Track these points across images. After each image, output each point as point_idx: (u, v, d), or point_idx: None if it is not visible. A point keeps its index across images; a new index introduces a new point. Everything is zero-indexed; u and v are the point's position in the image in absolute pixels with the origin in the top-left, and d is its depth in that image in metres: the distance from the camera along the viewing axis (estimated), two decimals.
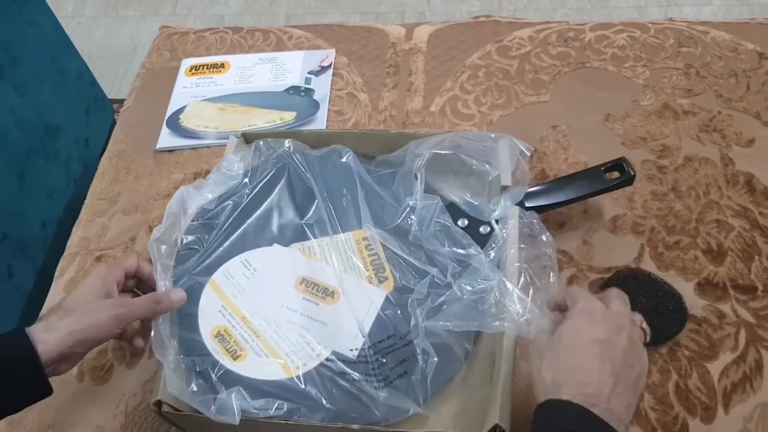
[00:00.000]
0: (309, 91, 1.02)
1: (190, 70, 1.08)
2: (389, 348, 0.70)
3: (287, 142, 0.84)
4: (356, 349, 0.70)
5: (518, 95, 0.95)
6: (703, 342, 0.71)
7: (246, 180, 0.83)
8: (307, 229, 0.78)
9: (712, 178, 0.83)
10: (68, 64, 1.51)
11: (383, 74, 1.02)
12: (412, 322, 0.70)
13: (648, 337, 0.59)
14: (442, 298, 0.71)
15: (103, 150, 1.03)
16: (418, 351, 0.68)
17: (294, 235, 0.79)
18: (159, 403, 0.64)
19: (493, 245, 0.74)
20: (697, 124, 0.88)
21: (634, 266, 0.77)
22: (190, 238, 0.78)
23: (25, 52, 1.34)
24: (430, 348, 0.68)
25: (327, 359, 0.69)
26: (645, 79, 0.94)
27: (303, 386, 0.67)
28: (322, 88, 1.02)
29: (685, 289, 0.74)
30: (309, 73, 1.04)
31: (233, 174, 0.83)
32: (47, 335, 0.59)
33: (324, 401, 0.66)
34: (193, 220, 0.79)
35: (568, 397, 0.51)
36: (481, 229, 0.77)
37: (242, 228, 0.79)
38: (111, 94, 1.76)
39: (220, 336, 0.71)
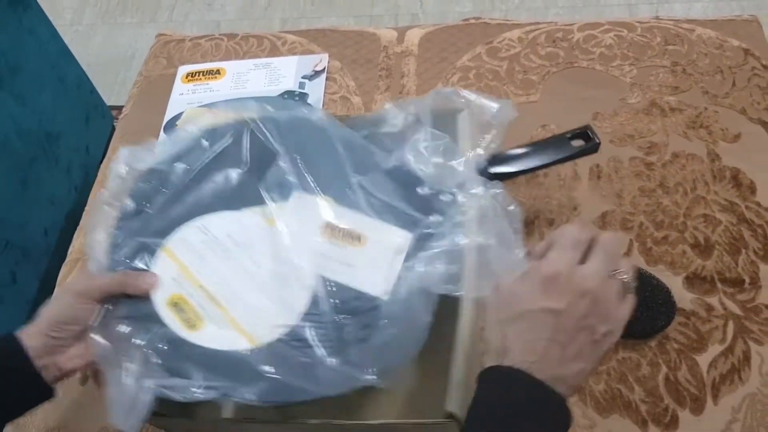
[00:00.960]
0: (303, 96, 1.03)
1: (187, 77, 1.10)
2: (354, 310, 0.64)
3: (251, 104, 0.77)
4: (314, 314, 0.64)
5: (508, 96, 0.97)
6: (692, 335, 0.73)
7: (203, 141, 0.76)
8: (269, 193, 0.71)
9: (699, 173, 0.85)
10: (67, 72, 1.53)
11: (376, 77, 1.04)
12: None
13: (632, 289, 0.57)
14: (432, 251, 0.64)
15: (103, 157, 1.05)
16: (382, 316, 0.62)
17: (255, 199, 0.71)
18: None
19: (455, 214, 0.68)
20: (684, 120, 0.90)
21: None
22: (139, 199, 0.72)
23: (25, 61, 1.36)
24: (397, 314, 0.62)
25: (287, 327, 0.64)
26: (632, 78, 0.96)
27: (257, 357, 0.62)
28: (315, 92, 1.03)
29: (674, 283, 0.76)
30: (303, 77, 1.06)
31: (187, 134, 0.76)
32: (29, 327, 0.61)
33: (268, 370, 0.61)
34: (142, 182, 0.73)
35: (511, 363, 0.50)
36: (442, 197, 0.70)
37: (198, 191, 0.72)
38: (110, 101, 1.78)
39: (176, 305, 0.66)
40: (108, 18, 2.37)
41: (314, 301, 0.64)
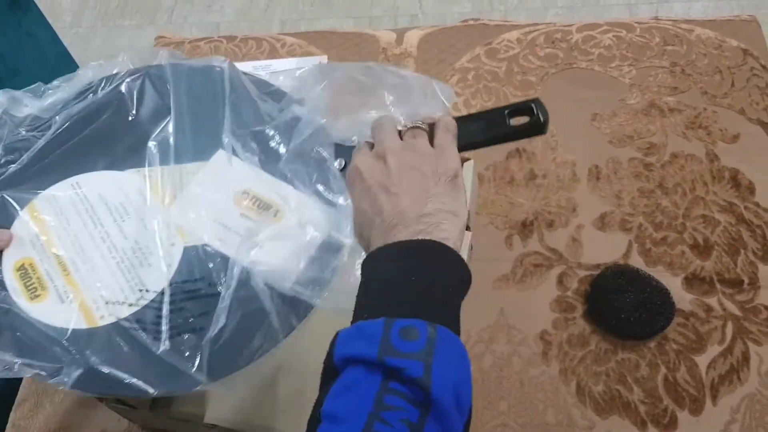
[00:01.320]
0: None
1: None
2: (193, 293, 0.58)
3: (163, 53, 0.70)
4: (153, 291, 0.58)
5: (507, 97, 0.97)
6: (691, 335, 0.73)
7: (97, 89, 0.67)
8: (154, 152, 0.64)
9: (698, 174, 0.85)
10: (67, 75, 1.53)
11: None
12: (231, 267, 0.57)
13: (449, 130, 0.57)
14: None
15: None
16: (223, 305, 0.55)
17: (138, 159, 0.64)
18: None
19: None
20: (683, 121, 0.90)
21: (622, 262, 0.78)
22: (10, 149, 0.65)
23: (24, 64, 1.36)
24: (240, 306, 0.56)
25: (134, 308, 0.58)
26: (631, 78, 0.96)
27: (81, 339, 0.56)
28: None
29: (673, 283, 0.76)
30: None
31: (81, 80, 0.68)
32: None
33: (88, 355, 0.55)
34: (17, 129, 0.66)
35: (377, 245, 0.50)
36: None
37: (74, 144, 0.65)
38: None
39: (23, 270, 0.60)
40: (107, 20, 2.37)
41: (172, 282, 0.58)
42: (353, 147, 0.61)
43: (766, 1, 2.02)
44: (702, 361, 0.71)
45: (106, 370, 0.54)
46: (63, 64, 1.51)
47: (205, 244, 0.59)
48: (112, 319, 0.57)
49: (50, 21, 1.49)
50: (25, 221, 0.62)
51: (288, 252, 0.57)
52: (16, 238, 0.60)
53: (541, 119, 0.60)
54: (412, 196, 0.51)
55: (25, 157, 0.64)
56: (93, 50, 2.27)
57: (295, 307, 0.56)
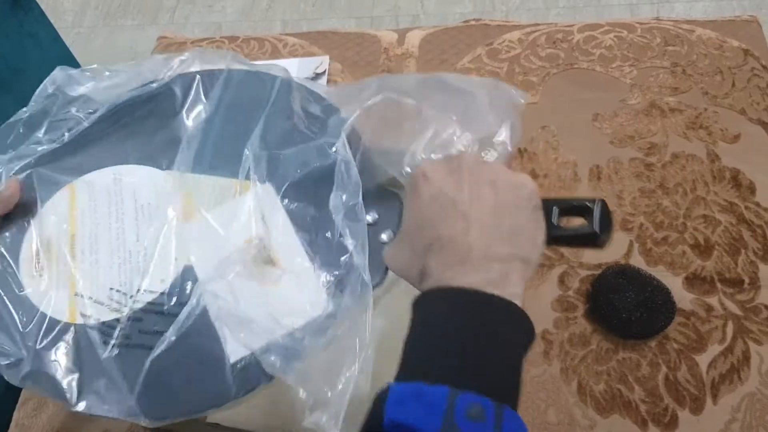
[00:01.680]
0: None
1: None
2: (153, 306, 0.56)
3: (227, 54, 0.69)
4: (139, 302, 0.57)
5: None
6: (692, 335, 0.73)
7: (151, 82, 0.67)
8: (185, 157, 0.63)
9: (699, 174, 0.85)
10: None
11: None
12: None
13: (505, 149, 0.54)
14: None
15: None
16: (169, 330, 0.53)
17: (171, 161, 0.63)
18: None
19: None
20: (684, 121, 0.90)
21: (623, 262, 0.79)
22: (56, 126, 0.65)
23: (26, 65, 1.36)
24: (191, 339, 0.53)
25: (114, 313, 0.56)
26: (632, 79, 0.96)
27: (63, 332, 0.56)
28: None
29: (674, 283, 0.76)
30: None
31: (142, 71, 0.68)
32: None
33: (44, 354, 0.54)
34: (70, 106, 0.66)
35: (433, 285, 0.44)
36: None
37: (116, 132, 0.65)
38: None
39: (45, 248, 0.60)
40: (109, 20, 2.38)
41: (154, 301, 0.57)
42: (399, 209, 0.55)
43: (767, 2, 2.02)
44: (703, 360, 0.72)
45: (53, 371, 0.54)
46: (65, 64, 1.51)
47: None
48: (91, 321, 0.56)
49: (52, 21, 1.49)
50: (62, 198, 0.62)
51: (266, 315, 0.53)
52: (44, 214, 0.60)
53: (597, 229, 0.47)
54: (483, 225, 0.45)
55: (68, 136, 0.64)
56: (94, 50, 2.27)
57: (248, 372, 0.52)
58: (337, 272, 0.54)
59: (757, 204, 0.81)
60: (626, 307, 0.72)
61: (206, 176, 0.62)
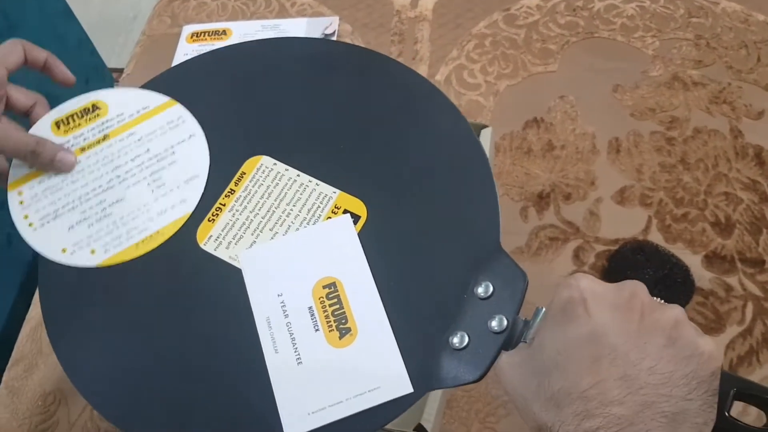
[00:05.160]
0: None
1: (192, 37, 1.06)
2: None
3: None
4: None
5: (525, 65, 0.93)
6: (710, 315, 0.71)
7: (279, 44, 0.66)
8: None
9: (722, 150, 0.82)
10: (68, 32, 1.49)
11: (388, 42, 1.00)
12: None
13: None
14: None
15: None
16: None
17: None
18: None
19: None
20: (707, 95, 0.87)
21: (641, 238, 0.76)
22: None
23: (23, 20, 1.32)
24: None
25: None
26: (654, 50, 0.92)
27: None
28: None
29: (693, 261, 0.73)
30: None
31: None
32: None
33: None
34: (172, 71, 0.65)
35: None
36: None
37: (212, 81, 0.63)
38: (110, 63, 1.73)
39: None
40: None
41: None
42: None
43: None
44: (721, 341, 0.69)
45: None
46: (64, 20, 1.47)
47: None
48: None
49: None
50: None
51: (324, 385, 0.46)
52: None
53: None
54: (646, 399, 0.36)
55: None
56: (95, 8, 2.22)
57: None
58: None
59: None
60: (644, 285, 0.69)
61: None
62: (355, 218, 0.53)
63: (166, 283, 0.53)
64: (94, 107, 0.63)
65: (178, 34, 1.07)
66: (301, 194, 0.54)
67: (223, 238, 0.53)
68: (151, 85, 0.64)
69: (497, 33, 0.98)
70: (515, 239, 0.77)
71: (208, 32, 1.06)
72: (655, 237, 0.76)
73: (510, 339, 0.45)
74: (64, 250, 0.55)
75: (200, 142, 0.59)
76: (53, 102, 1.24)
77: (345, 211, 0.53)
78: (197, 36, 1.06)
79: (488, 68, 0.94)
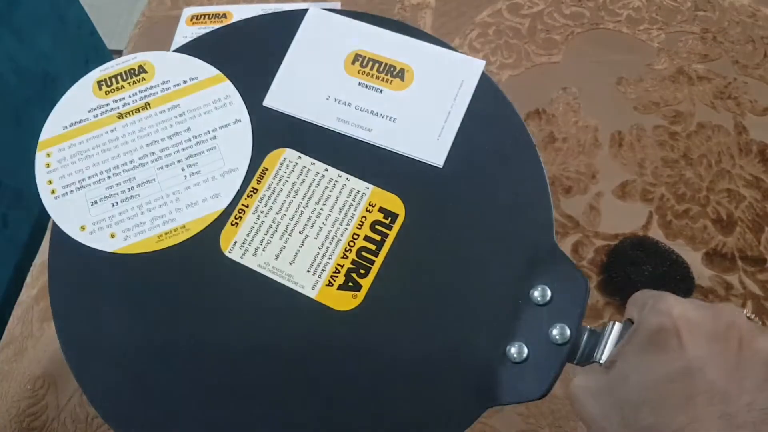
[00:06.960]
0: None
1: (191, 20, 1.05)
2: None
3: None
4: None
5: (529, 55, 0.92)
6: None
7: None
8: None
9: (725, 146, 0.81)
10: (68, 12, 1.47)
11: None
12: None
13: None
14: None
15: None
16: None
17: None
18: None
19: None
20: (712, 90, 0.86)
21: (641, 234, 0.75)
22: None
23: None
24: None
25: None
26: (660, 43, 0.91)
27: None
28: None
29: (693, 258, 0.72)
30: None
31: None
32: None
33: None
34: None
35: None
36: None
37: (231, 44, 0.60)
38: (111, 44, 1.72)
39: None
40: None
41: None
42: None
43: None
44: None
45: None
46: (65, 0, 1.46)
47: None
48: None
49: None
50: None
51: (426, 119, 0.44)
52: None
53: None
54: (757, 420, 0.33)
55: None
56: None
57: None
58: None
59: None
60: (643, 281, 0.68)
61: None
62: (392, 217, 0.48)
63: (185, 288, 0.49)
64: (141, 69, 0.57)
65: (178, 17, 1.05)
66: (330, 191, 0.50)
67: (249, 243, 0.49)
68: (198, 50, 0.58)
69: (501, 22, 0.96)
70: None
71: (209, 15, 1.05)
72: (656, 233, 0.75)
73: (574, 351, 0.41)
74: (83, 228, 0.51)
75: (245, 129, 0.54)
76: (51, 83, 1.22)
77: (380, 210, 0.48)
78: (197, 18, 1.05)
79: (491, 57, 0.92)
